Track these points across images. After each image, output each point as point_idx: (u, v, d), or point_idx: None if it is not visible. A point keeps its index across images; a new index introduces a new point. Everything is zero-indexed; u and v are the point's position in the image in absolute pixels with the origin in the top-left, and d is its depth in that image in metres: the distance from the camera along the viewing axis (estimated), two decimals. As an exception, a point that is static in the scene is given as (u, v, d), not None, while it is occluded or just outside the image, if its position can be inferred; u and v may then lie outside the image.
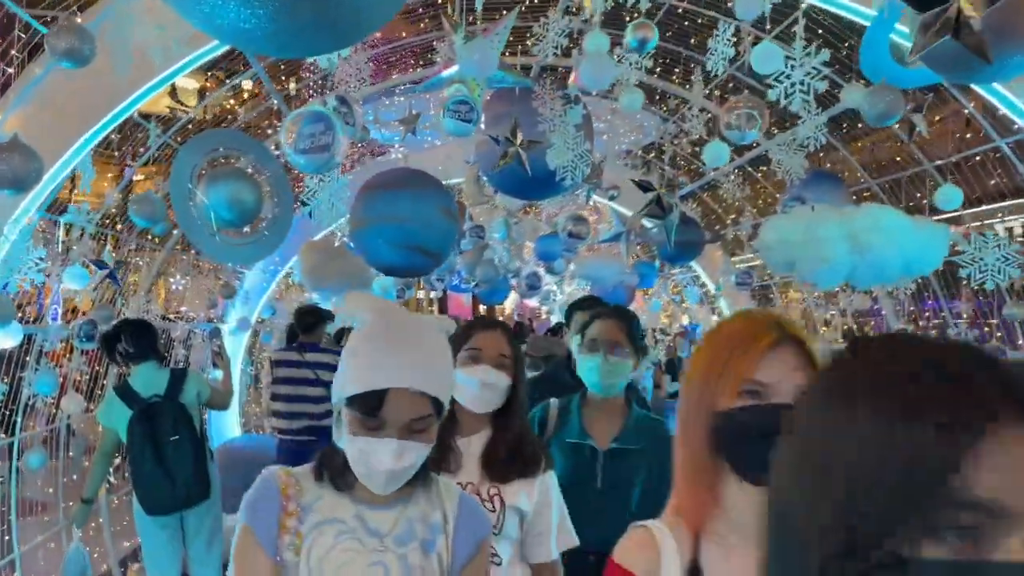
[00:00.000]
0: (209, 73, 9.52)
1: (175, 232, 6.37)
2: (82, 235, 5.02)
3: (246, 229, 4.67)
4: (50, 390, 4.54)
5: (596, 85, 4.07)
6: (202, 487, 4.57)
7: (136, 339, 4.44)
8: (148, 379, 4.46)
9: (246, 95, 9.69)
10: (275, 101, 7.52)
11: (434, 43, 7.21)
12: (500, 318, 28.17)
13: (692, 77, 6.82)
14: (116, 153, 6.12)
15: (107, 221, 5.79)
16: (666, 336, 11.04)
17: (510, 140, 5.26)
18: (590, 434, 2.72)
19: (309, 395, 5.91)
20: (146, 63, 3.46)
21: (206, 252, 4.58)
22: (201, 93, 10.41)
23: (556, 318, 18.19)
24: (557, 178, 5.76)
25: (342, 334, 14.91)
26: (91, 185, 4.47)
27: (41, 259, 3.84)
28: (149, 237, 6.46)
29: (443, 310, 32.67)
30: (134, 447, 4.41)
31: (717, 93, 7.30)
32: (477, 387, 2.26)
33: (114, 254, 5.22)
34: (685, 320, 10.56)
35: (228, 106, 9.91)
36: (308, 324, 6.29)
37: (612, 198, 7.08)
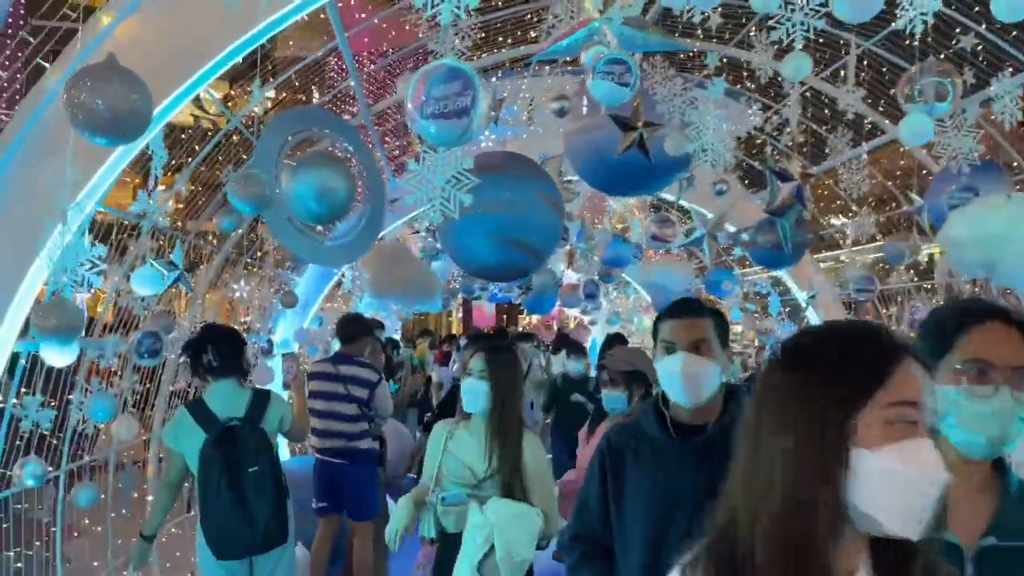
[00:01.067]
0: (234, 83, 8.90)
1: (238, 232, 5.65)
2: (131, 232, 4.31)
3: (337, 225, 3.95)
4: (107, 416, 3.81)
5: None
6: (280, 529, 3.83)
7: (223, 350, 3.73)
8: (227, 399, 3.75)
9: (269, 103, 9.02)
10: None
11: (528, 16, 6.54)
12: (525, 328, 27.29)
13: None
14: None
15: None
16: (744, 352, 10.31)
17: (629, 123, 4.52)
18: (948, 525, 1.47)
19: (341, 412, 5.33)
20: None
21: (297, 251, 3.85)
22: (226, 101, 9.69)
23: (601, 329, 17.41)
24: (691, 165, 5.02)
25: (393, 345, 14.22)
26: (109, 198, 3.73)
27: (100, 258, 3.11)
28: (210, 237, 5.75)
29: (467, 320, 31.94)
30: (207, 477, 3.69)
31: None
32: None
33: (188, 254, 4.49)
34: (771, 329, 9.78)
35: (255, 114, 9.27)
36: (350, 334, 5.60)
37: (720, 193, 6.31)
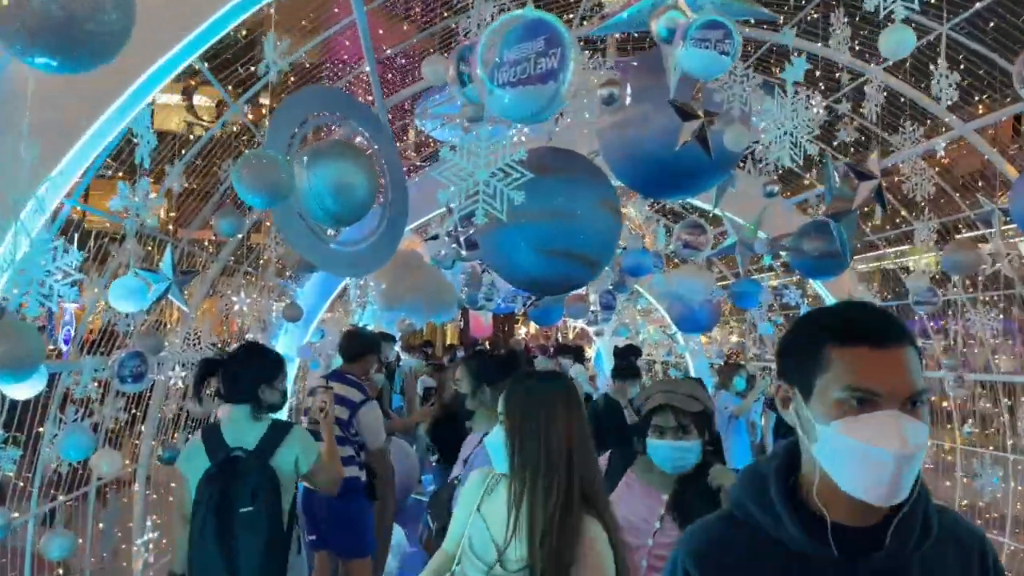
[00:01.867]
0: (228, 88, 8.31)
1: (237, 237, 5.02)
2: (114, 237, 3.69)
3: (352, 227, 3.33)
4: (83, 454, 3.17)
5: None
6: (269, 583, 3.17)
7: (239, 372, 3.15)
8: (239, 427, 3.17)
9: (264, 111, 8.43)
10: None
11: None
12: (521, 339, 26.62)
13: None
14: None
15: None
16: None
17: (691, 112, 3.93)
18: None
19: None
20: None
21: (313, 258, 3.23)
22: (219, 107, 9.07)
23: (608, 341, 16.81)
24: (761, 161, 4.44)
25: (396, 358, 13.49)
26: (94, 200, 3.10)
27: (75, 266, 2.48)
28: (207, 243, 5.12)
29: (464, 331, 31.28)
30: (195, 511, 3.10)
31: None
32: None
33: (180, 263, 3.85)
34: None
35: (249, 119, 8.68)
36: (353, 352, 4.99)
37: (771, 195, 5.72)
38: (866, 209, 4.92)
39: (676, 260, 11.76)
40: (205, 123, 7.01)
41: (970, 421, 6.53)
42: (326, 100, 3.40)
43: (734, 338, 12.69)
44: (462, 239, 4.65)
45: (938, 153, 5.16)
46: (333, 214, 3.14)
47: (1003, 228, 5.00)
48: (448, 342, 29.14)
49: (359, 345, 5.01)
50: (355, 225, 3.25)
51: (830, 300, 7.97)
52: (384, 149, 3.48)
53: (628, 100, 4.66)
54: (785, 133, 3.50)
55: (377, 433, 4.76)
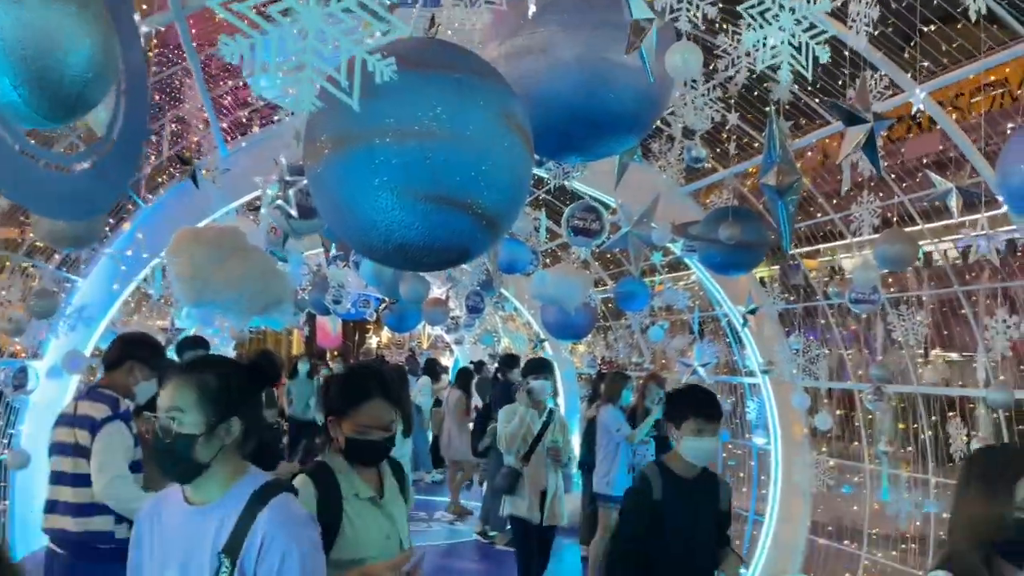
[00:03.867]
0: None
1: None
2: None
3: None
4: None
5: None
6: None
7: None
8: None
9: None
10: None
11: None
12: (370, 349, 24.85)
13: None
14: None
15: None
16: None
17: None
18: None
19: (66, 473, 3.58)
20: None
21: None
22: None
23: (468, 351, 15.49)
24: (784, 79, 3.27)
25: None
26: None
27: None
28: None
29: (311, 341, 28.85)
30: None
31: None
32: None
33: None
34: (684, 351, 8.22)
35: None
36: (110, 358, 3.86)
37: (698, 161, 4.58)
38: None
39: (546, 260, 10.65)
40: None
41: (884, 439, 5.73)
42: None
43: (597, 350, 11.69)
44: (291, 193, 3.18)
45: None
46: (32, 95, 1.64)
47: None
48: (294, 352, 26.88)
49: (118, 351, 3.81)
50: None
51: (727, 302, 7.06)
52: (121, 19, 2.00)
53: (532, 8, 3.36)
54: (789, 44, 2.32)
55: (108, 464, 3.43)
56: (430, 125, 2.08)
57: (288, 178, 3.26)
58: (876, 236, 4.76)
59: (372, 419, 2.55)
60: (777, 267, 7.28)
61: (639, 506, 3.28)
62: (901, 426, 6.32)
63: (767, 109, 6.01)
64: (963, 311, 5.91)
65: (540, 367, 5.99)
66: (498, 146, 2.19)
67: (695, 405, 3.28)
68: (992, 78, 9.27)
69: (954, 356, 7.36)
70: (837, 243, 5.83)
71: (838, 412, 6.53)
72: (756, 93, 5.27)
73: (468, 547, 9.08)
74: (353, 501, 2.52)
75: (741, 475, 8.12)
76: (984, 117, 4.85)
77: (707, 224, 5.55)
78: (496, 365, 10.12)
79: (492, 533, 8.88)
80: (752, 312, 6.45)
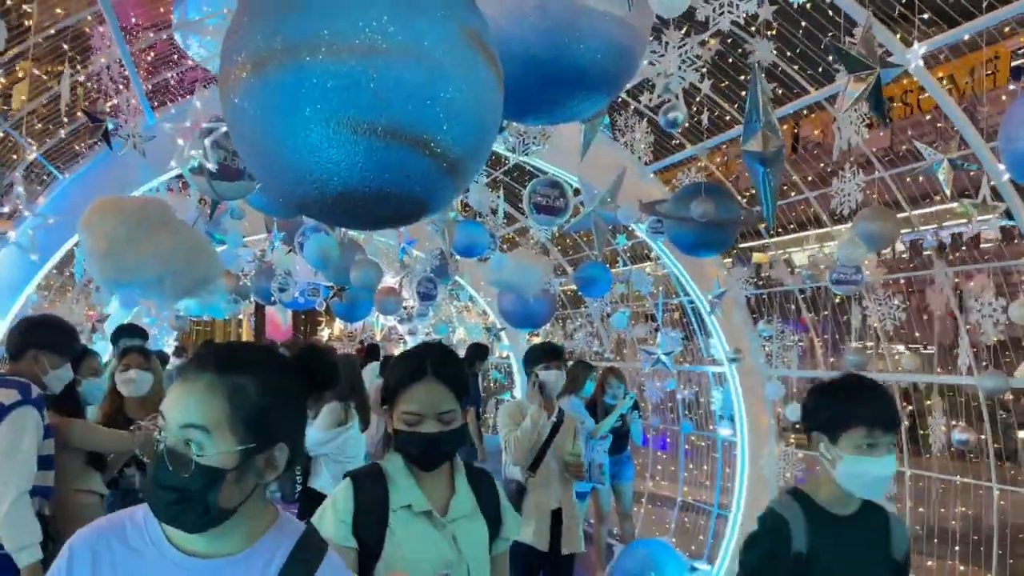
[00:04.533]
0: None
1: None
2: None
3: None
4: None
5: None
6: None
7: None
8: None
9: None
10: None
11: None
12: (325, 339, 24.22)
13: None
14: None
15: None
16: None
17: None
18: None
19: None
20: None
21: None
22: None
23: (422, 341, 14.97)
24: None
25: (162, 359, 10.92)
26: None
27: None
28: None
29: (259, 332, 27.90)
30: None
31: None
32: None
33: None
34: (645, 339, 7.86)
35: None
36: (11, 346, 3.48)
37: (675, 125, 4.17)
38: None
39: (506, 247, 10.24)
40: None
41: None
42: None
43: (556, 339, 11.32)
44: (208, 144, 2.68)
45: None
46: None
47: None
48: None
49: (17, 338, 3.44)
50: None
51: (693, 288, 6.72)
52: None
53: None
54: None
55: (12, 450, 3.00)
56: (374, 38, 1.64)
57: (206, 125, 2.77)
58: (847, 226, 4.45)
59: (422, 405, 2.03)
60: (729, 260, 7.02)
61: (774, 560, 2.15)
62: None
63: (741, 78, 5.69)
64: (927, 304, 5.71)
65: (550, 354, 4.53)
66: (462, 67, 1.74)
67: (866, 408, 2.11)
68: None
69: (904, 347, 7.16)
70: (813, 231, 5.52)
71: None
72: (731, 60, 4.92)
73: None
74: (402, 514, 2.03)
75: (705, 467, 7.83)
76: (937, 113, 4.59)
77: (677, 201, 5.19)
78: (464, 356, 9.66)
79: None
80: (719, 297, 6.12)
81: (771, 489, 6.51)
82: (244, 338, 28.92)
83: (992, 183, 3.99)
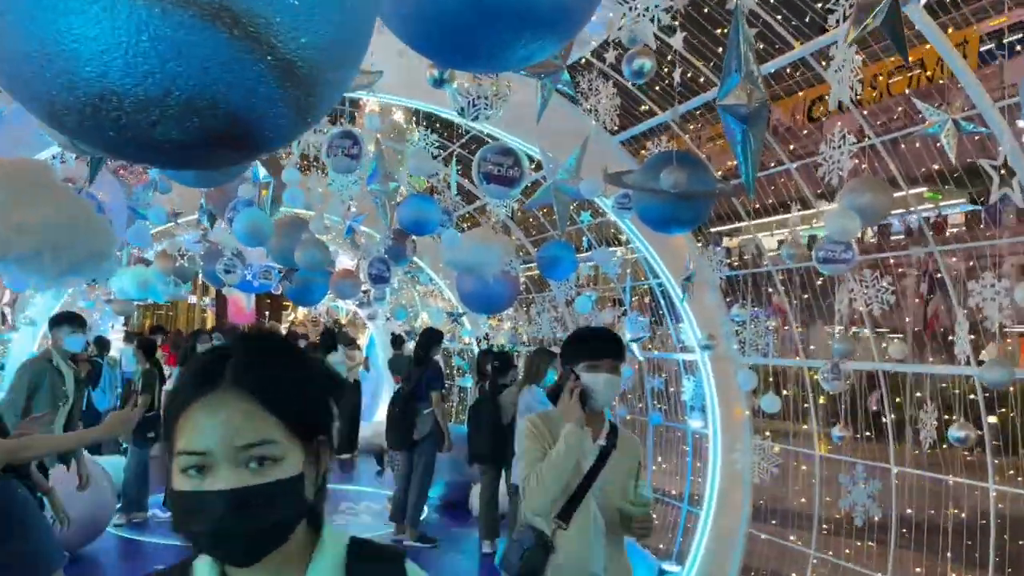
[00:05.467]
0: None
1: None
2: None
3: None
4: None
5: None
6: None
7: None
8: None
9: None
10: None
11: None
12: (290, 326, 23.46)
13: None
14: None
15: None
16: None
17: None
18: None
19: None
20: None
21: None
22: None
23: (384, 325, 14.29)
24: None
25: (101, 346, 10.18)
26: None
27: None
28: None
29: (221, 316, 26.89)
30: None
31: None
32: None
33: None
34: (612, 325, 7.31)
35: None
36: None
37: (640, 73, 3.57)
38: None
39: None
40: None
41: (838, 425, 4.96)
42: None
43: (520, 325, 10.70)
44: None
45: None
46: None
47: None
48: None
49: None
50: None
51: (664, 271, 6.16)
52: None
53: None
54: None
55: None
56: None
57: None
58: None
59: (205, 437, 1.11)
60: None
61: None
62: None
63: (718, 32, 5.13)
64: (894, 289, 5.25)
65: (602, 347, 2.97)
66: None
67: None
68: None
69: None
70: (794, 213, 4.98)
71: (784, 393, 5.75)
72: (706, 10, 4.34)
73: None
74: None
75: (674, 460, 7.32)
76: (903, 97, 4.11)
77: (646, 171, 4.61)
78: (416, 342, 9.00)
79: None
80: (688, 280, 5.57)
81: (745, 484, 6.01)
82: (209, 324, 27.94)
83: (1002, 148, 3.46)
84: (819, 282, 5.42)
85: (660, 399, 7.12)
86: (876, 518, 4.94)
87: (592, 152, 5.26)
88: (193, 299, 29.80)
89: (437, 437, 7.70)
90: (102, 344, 10.30)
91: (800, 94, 13.29)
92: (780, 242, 8.38)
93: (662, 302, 6.90)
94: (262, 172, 4.25)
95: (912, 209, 5.70)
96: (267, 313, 27.97)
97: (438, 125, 7.69)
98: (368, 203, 6.86)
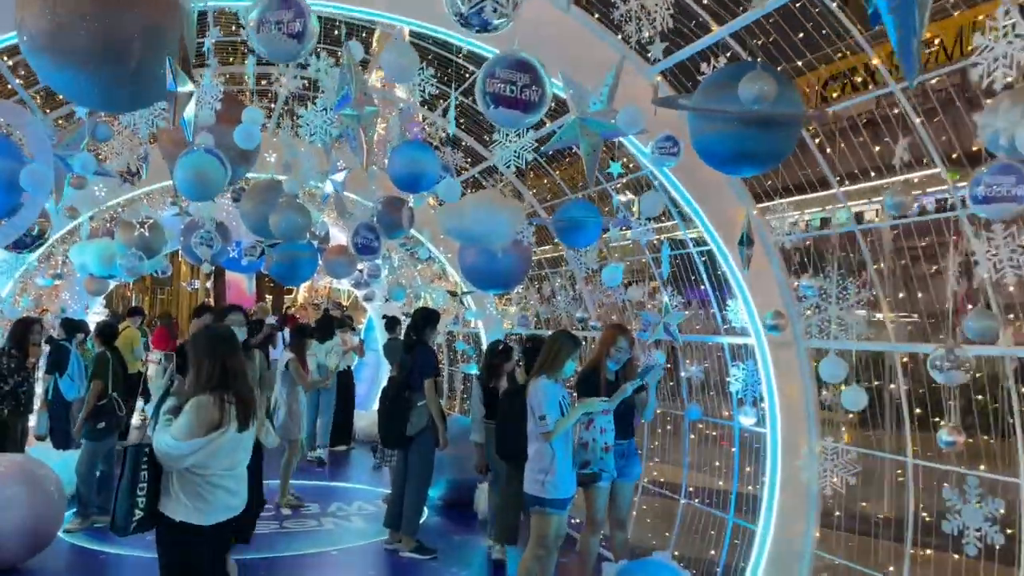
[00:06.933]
0: None
1: None
2: None
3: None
4: None
5: None
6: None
7: None
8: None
9: None
10: None
11: None
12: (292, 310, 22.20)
13: None
14: None
15: None
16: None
17: None
18: None
19: None
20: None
21: None
22: None
23: (381, 307, 13.07)
24: None
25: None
26: None
27: None
28: None
29: (219, 298, 25.45)
30: None
31: None
32: None
33: None
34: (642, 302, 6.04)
35: None
36: None
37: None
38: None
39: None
40: None
41: (947, 424, 3.77)
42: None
43: (531, 305, 9.47)
44: None
45: None
46: None
47: None
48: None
49: None
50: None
51: (712, 233, 4.93)
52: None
53: None
54: None
55: None
56: None
57: None
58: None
59: None
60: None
61: None
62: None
63: None
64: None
65: None
66: None
67: None
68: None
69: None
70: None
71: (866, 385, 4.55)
72: None
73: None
74: None
75: (717, 464, 6.13)
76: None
77: (710, 90, 3.42)
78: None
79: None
80: (744, 244, 4.35)
81: (811, 496, 4.84)
82: (210, 302, 26.65)
83: None
84: (923, 243, 4.18)
85: (702, 390, 5.93)
86: (997, 545, 3.78)
87: (628, 81, 4.07)
88: (187, 283, 28.60)
89: (433, 432, 6.57)
90: (71, 327, 9.10)
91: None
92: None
93: (703, 274, 5.69)
94: (179, 82, 2.99)
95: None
96: (269, 297, 26.75)
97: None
98: (348, 158, 5.67)
